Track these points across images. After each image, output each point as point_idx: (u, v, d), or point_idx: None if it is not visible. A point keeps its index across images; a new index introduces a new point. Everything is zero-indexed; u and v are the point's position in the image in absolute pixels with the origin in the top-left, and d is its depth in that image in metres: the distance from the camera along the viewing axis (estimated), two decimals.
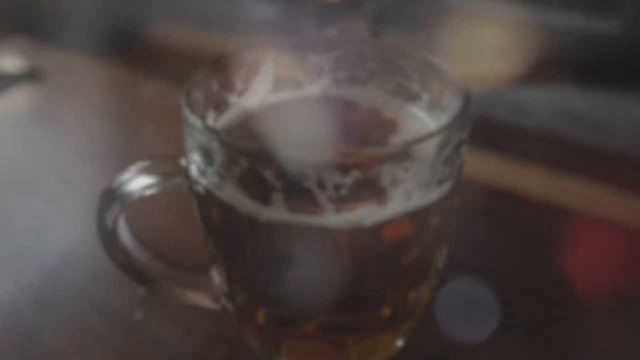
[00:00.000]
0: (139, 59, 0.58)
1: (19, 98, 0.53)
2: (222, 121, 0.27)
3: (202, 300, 0.28)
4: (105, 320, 0.31)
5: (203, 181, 0.23)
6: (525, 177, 0.42)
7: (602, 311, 0.30)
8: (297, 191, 0.21)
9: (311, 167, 0.20)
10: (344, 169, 0.20)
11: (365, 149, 0.24)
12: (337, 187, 0.21)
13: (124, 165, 0.25)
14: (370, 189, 0.21)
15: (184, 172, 0.25)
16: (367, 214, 0.21)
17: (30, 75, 0.55)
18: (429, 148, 0.21)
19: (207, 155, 0.22)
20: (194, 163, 0.23)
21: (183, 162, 0.25)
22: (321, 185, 0.21)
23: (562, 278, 0.32)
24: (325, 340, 0.26)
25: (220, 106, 0.27)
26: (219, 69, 0.27)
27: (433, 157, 0.22)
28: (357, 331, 0.26)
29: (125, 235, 0.26)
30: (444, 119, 0.26)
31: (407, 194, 0.22)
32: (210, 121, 0.27)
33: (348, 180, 0.21)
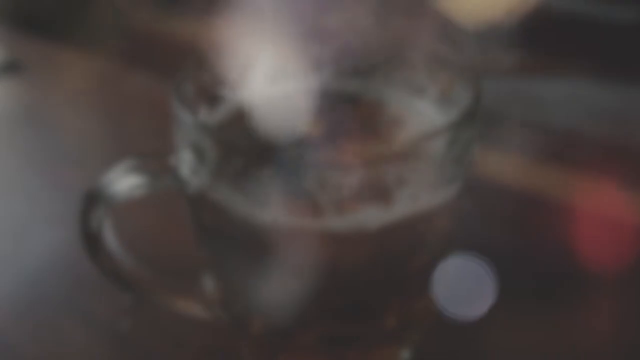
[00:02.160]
0: (124, 49, 0.58)
1: None
2: (215, 116, 0.27)
3: (194, 309, 0.28)
4: (88, 331, 0.31)
5: (195, 181, 0.23)
6: (541, 176, 0.42)
7: (623, 313, 0.31)
8: (296, 192, 0.21)
9: (311, 166, 0.20)
10: (347, 168, 0.21)
11: (369, 146, 0.24)
12: (339, 188, 0.21)
13: (109, 164, 0.25)
14: (374, 189, 0.21)
15: (174, 172, 0.25)
16: (371, 216, 0.21)
17: (11, 67, 0.55)
18: (438, 146, 0.21)
19: (199, 153, 0.22)
20: (185, 162, 0.23)
21: (173, 160, 0.25)
22: (322, 186, 0.21)
23: (578, 280, 0.32)
24: (326, 353, 0.26)
25: (213, 100, 0.27)
26: (212, 59, 0.27)
27: (442, 156, 0.22)
28: (360, 342, 0.26)
29: (110, 239, 0.26)
30: (453, 114, 0.25)
31: (414, 195, 0.22)
32: (202, 116, 0.27)
33: (351, 180, 0.21)
